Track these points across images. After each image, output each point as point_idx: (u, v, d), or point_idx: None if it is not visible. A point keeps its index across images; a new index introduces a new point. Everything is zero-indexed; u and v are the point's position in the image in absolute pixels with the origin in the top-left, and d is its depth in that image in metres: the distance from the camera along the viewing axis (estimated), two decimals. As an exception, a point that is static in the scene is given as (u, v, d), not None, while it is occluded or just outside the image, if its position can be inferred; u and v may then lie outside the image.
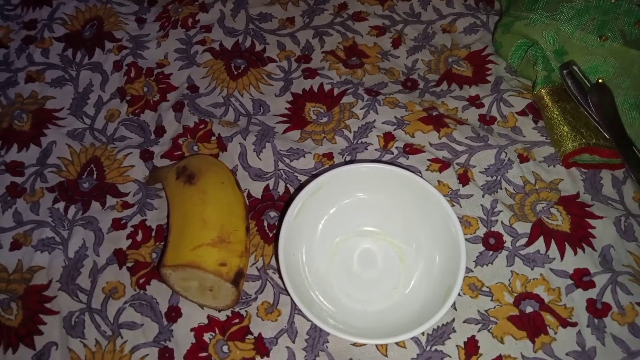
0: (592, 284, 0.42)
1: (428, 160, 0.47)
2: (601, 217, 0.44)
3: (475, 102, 0.51)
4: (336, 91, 0.52)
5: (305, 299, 0.38)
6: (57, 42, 0.56)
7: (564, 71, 0.48)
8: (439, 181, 0.46)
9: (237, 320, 0.42)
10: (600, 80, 0.46)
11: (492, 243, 0.44)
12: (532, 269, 0.42)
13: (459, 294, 0.40)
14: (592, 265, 0.42)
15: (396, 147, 0.48)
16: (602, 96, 0.46)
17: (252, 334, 0.41)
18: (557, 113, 0.47)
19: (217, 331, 0.41)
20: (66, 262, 0.44)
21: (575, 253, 0.43)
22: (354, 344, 0.40)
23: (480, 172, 0.47)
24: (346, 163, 0.47)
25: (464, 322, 0.41)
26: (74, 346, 0.41)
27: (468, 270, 0.43)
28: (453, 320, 0.41)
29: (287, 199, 0.46)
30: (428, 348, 0.40)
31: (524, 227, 0.44)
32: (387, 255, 0.43)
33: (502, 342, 0.40)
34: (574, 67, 0.47)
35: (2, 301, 0.43)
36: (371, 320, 0.40)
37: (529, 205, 0.45)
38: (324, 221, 0.44)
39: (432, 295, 0.39)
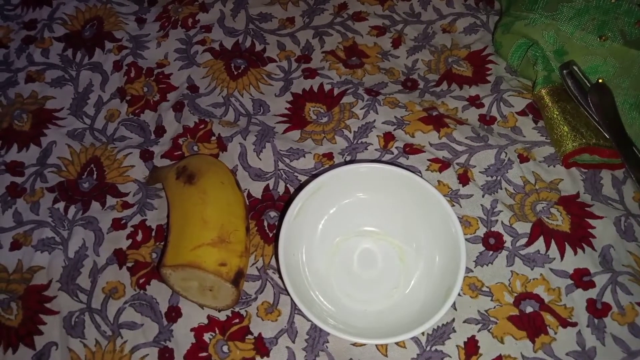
0: (592, 284, 0.42)
1: (428, 160, 0.47)
2: (601, 217, 0.44)
3: (475, 102, 0.51)
4: (336, 91, 0.52)
5: (305, 299, 0.38)
6: (57, 42, 0.56)
7: (564, 71, 0.48)
8: (439, 181, 0.46)
9: (237, 320, 0.42)
10: (600, 80, 0.46)
11: (492, 243, 0.44)
12: (532, 269, 0.42)
13: (459, 294, 0.40)
14: (592, 265, 0.42)
15: (396, 147, 0.48)
16: (602, 96, 0.46)
17: (252, 334, 0.41)
18: (557, 113, 0.47)
19: (217, 331, 0.41)
20: (66, 262, 0.44)
21: (575, 253, 0.43)
22: (354, 344, 0.40)
23: (480, 172, 0.47)
24: (346, 163, 0.47)
25: (464, 322, 0.41)
26: (74, 346, 0.41)
27: (468, 270, 0.43)
28: (453, 320, 0.41)
29: (287, 199, 0.46)
30: (428, 348, 0.40)
31: (524, 227, 0.44)
32: (387, 255, 0.43)
33: (502, 342, 0.40)
34: (574, 67, 0.47)
35: (2, 301, 0.43)
36: (371, 320, 0.40)
37: (529, 205, 0.45)
38: (324, 221, 0.44)
39: (432, 295, 0.39)
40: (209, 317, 0.42)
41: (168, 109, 0.51)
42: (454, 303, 0.41)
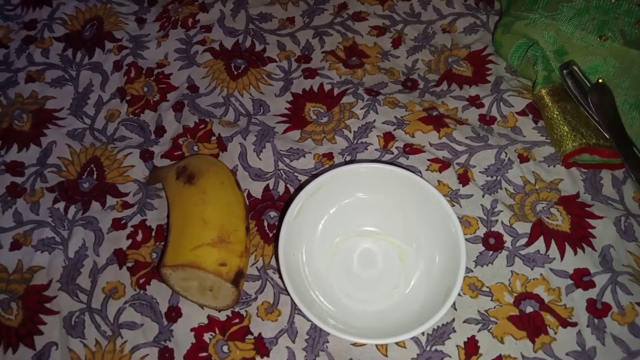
0: (592, 284, 0.42)
1: (428, 160, 0.47)
2: (601, 217, 0.44)
3: (475, 102, 0.51)
4: (336, 91, 0.52)
5: (305, 299, 0.38)
6: (57, 42, 0.56)
7: (564, 71, 0.48)
8: (439, 181, 0.46)
9: (237, 320, 0.42)
10: (600, 80, 0.46)
11: (492, 243, 0.44)
12: (532, 269, 0.42)
13: (459, 294, 0.40)
14: (592, 265, 0.42)
15: (396, 147, 0.48)
16: (602, 96, 0.46)
17: (252, 334, 0.41)
18: (557, 113, 0.47)
19: (217, 331, 0.41)
20: (66, 262, 0.44)
21: (575, 253, 0.43)
22: (354, 344, 0.40)
23: (480, 172, 0.47)
24: (346, 163, 0.47)
25: (464, 322, 0.41)
26: (74, 346, 0.41)
27: (468, 270, 0.43)
28: (453, 320, 0.41)
29: (287, 199, 0.46)
30: (428, 348, 0.40)
31: (524, 227, 0.44)
32: (387, 255, 0.43)
33: (502, 342, 0.40)
34: (574, 67, 0.47)
35: (2, 301, 0.43)
36: (371, 320, 0.40)
37: (529, 205, 0.45)
38: (324, 221, 0.44)
39: (432, 295, 0.39)
40: (209, 317, 0.42)
41: (168, 109, 0.51)
42: (454, 303, 0.41)
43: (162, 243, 0.45)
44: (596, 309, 0.41)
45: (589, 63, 0.48)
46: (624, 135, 0.45)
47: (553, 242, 0.43)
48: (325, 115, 0.51)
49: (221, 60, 0.54)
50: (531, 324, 0.41)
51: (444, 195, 0.41)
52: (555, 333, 0.40)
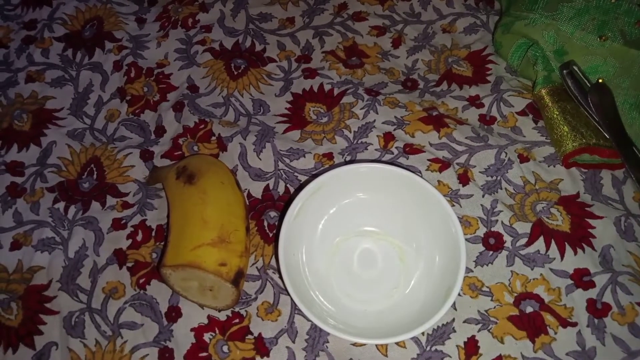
0: (592, 284, 0.42)
1: (428, 160, 0.47)
2: (601, 217, 0.44)
3: (475, 102, 0.51)
4: (336, 91, 0.52)
5: (305, 299, 0.38)
6: (57, 42, 0.56)
7: (564, 71, 0.48)
8: (439, 181, 0.46)
9: (237, 320, 0.42)
10: (600, 80, 0.46)
11: (492, 243, 0.44)
12: (532, 269, 0.42)
13: (459, 294, 0.40)
14: (592, 265, 0.42)
15: (396, 147, 0.48)
16: (602, 96, 0.46)
17: (252, 334, 0.41)
18: (557, 113, 0.47)
19: (217, 331, 0.41)
20: (66, 262, 0.44)
21: (575, 253, 0.43)
22: (354, 344, 0.40)
23: (480, 172, 0.47)
24: (346, 163, 0.47)
25: (464, 322, 0.41)
26: (74, 346, 0.41)
27: (468, 270, 0.43)
28: (453, 320, 0.41)
29: (287, 199, 0.46)
30: (428, 348, 0.40)
31: (524, 227, 0.44)
32: (387, 255, 0.43)
33: (502, 342, 0.40)
34: (574, 67, 0.47)
35: (2, 301, 0.43)
36: (371, 320, 0.40)
37: (529, 205, 0.45)
38: (324, 221, 0.44)
39: (432, 295, 0.39)
40: (209, 317, 0.42)
41: (168, 109, 0.51)
42: (454, 303, 0.41)
43: (162, 243, 0.45)
44: (596, 309, 0.41)
45: (589, 63, 0.48)
46: (624, 135, 0.45)
47: (553, 242, 0.43)
48: (325, 115, 0.51)
49: (221, 60, 0.54)
50: (531, 324, 0.41)
51: (444, 195, 0.41)
52: (555, 333, 0.40)
